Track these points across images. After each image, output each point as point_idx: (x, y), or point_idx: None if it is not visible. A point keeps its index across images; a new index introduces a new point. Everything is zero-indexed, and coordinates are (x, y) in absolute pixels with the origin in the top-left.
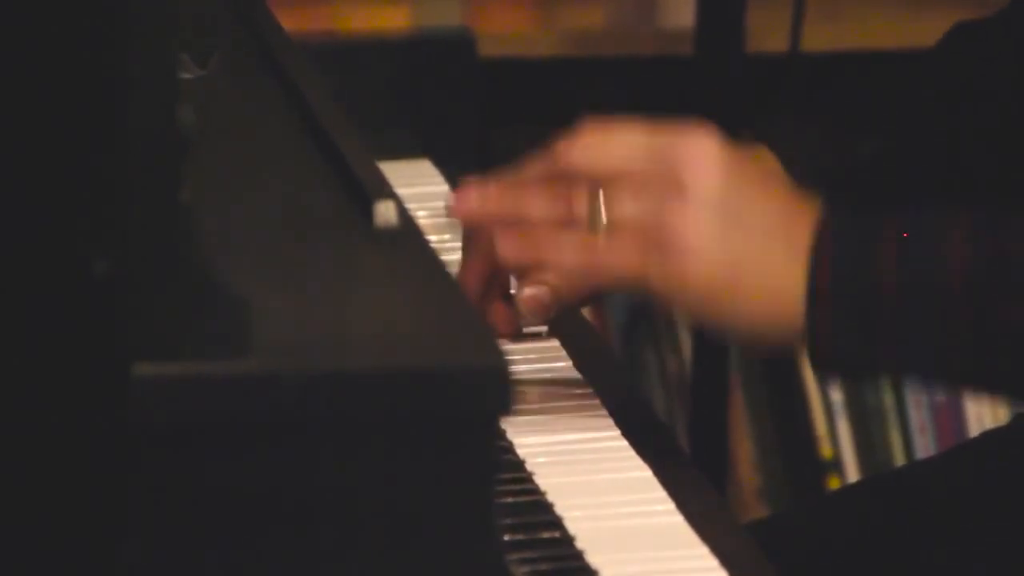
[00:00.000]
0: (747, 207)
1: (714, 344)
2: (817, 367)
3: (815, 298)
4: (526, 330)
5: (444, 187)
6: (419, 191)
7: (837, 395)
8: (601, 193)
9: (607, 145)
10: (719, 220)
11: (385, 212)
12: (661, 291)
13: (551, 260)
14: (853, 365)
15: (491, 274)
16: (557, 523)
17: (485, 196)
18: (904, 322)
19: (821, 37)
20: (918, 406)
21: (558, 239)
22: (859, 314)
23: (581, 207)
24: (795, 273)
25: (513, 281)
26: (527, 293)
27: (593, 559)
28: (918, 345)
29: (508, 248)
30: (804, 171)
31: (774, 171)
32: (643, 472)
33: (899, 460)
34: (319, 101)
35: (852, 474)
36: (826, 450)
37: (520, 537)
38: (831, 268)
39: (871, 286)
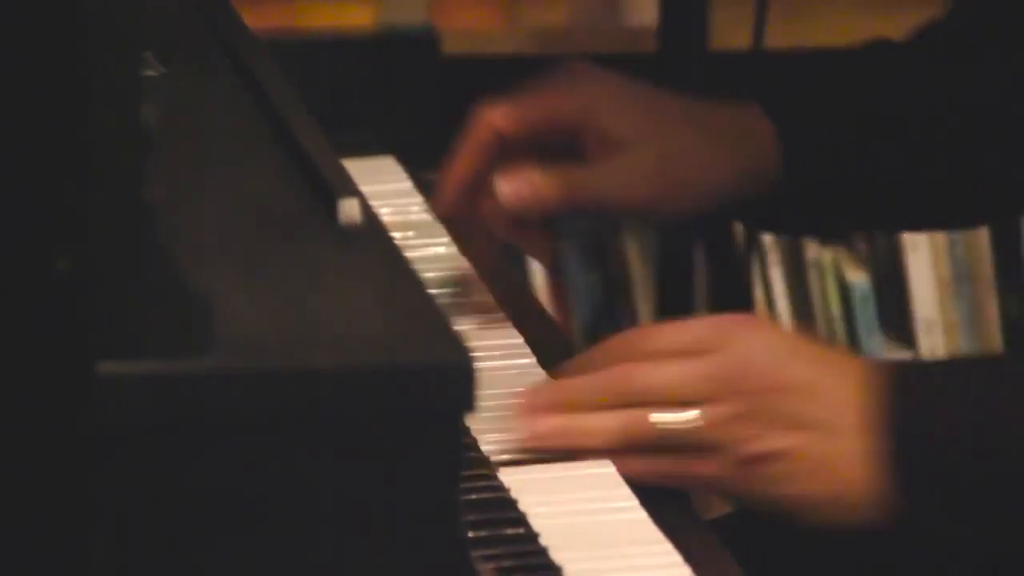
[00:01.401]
0: (818, 404)
1: None
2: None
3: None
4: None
5: (408, 184)
6: (383, 188)
7: None
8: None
9: (654, 331)
10: (801, 429)
11: (349, 210)
12: (757, 501)
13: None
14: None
15: (478, 173)
16: (521, 520)
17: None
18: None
19: (784, 34)
20: None
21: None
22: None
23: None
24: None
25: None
26: (507, 189)
27: (557, 556)
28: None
29: (635, 469)
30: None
31: None
32: (607, 468)
33: None
34: (283, 98)
35: None
36: None
37: (484, 534)
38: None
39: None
